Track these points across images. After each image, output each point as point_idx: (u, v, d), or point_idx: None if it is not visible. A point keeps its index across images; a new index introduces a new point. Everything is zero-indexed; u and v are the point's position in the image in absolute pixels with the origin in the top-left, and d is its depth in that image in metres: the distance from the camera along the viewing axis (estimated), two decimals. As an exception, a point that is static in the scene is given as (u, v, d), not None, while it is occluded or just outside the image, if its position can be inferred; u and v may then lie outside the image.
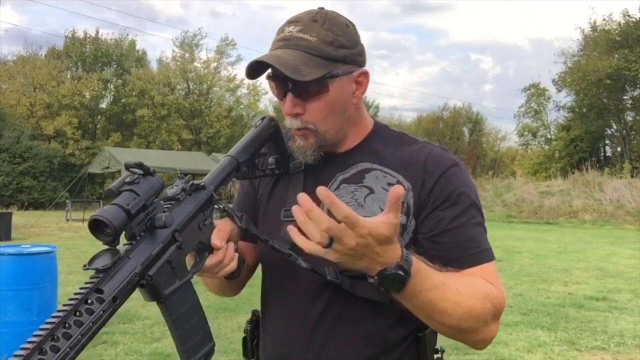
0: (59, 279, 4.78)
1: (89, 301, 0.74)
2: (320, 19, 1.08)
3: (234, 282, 1.16)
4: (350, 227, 0.84)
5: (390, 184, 1.09)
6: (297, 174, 1.20)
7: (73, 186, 22.20)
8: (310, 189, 1.16)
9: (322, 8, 1.12)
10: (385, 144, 1.15)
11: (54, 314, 0.70)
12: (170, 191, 0.95)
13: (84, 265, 0.79)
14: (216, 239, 0.98)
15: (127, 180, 0.86)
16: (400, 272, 0.90)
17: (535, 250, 11.52)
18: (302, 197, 0.86)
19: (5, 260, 4.31)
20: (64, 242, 11.97)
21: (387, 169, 1.13)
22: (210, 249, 0.99)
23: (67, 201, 20.33)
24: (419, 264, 0.94)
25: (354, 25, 1.13)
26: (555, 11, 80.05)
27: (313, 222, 0.85)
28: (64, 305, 0.72)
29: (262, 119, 1.19)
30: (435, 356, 1.15)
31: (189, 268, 0.96)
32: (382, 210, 0.91)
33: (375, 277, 0.90)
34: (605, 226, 18.09)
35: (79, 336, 0.70)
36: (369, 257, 0.89)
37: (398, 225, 0.88)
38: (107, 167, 19.89)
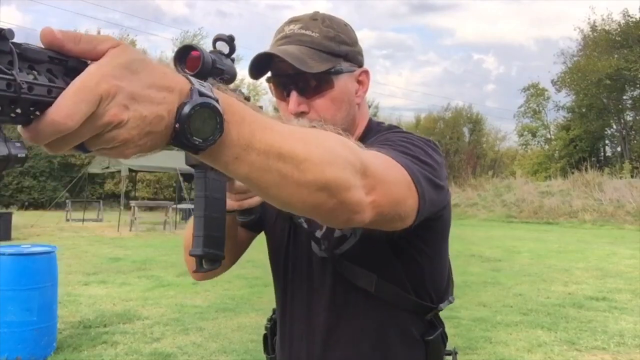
0: (59, 279, 4.78)
1: None
2: (320, 17, 1.08)
3: (230, 250, 1.07)
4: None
5: None
6: None
7: (73, 186, 22.15)
8: None
9: (317, 12, 1.12)
10: (375, 137, 1.14)
11: None
12: None
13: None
14: None
15: None
16: (208, 100, 0.56)
17: (535, 250, 11.51)
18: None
19: (5, 260, 4.30)
20: (64, 242, 11.94)
21: None
22: None
23: (67, 201, 20.30)
24: (228, 97, 0.60)
25: (351, 26, 1.14)
26: (561, 11, 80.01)
27: None
28: None
29: None
30: (449, 358, 1.16)
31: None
32: None
33: (176, 125, 0.54)
34: (605, 226, 18.10)
35: None
36: (134, 97, 0.51)
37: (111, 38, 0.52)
38: (107, 167, 19.79)
